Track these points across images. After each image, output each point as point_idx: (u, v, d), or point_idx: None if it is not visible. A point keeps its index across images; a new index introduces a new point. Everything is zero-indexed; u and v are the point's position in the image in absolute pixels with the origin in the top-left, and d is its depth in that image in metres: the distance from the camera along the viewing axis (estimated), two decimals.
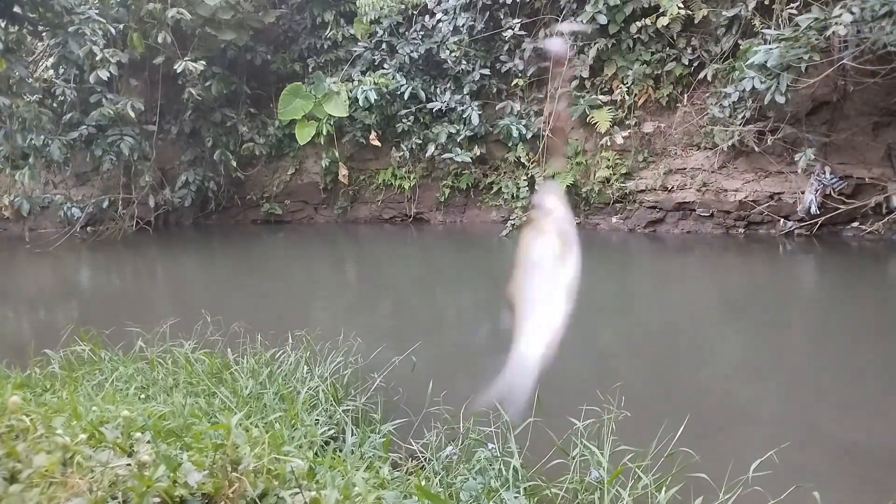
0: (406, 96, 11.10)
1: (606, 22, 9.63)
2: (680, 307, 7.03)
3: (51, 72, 11.85)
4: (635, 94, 10.00)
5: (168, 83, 11.86)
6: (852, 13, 7.22)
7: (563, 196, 1.27)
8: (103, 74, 10.23)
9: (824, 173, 8.87)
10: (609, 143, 10.12)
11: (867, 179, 8.93)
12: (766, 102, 8.26)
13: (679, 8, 9.19)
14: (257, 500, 2.15)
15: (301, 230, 12.70)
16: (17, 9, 9.07)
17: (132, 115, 11.01)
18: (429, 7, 11.16)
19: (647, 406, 4.04)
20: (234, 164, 12.34)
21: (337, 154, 11.92)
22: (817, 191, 8.88)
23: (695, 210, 10.11)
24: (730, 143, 9.25)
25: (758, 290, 7.49)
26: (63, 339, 4.52)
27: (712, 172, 9.86)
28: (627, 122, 10.15)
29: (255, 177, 12.95)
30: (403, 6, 11.38)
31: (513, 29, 10.44)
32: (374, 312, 7.25)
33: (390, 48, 11.55)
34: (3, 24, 9.46)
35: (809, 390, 4.64)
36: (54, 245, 11.20)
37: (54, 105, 11.53)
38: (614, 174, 10.41)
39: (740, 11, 8.92)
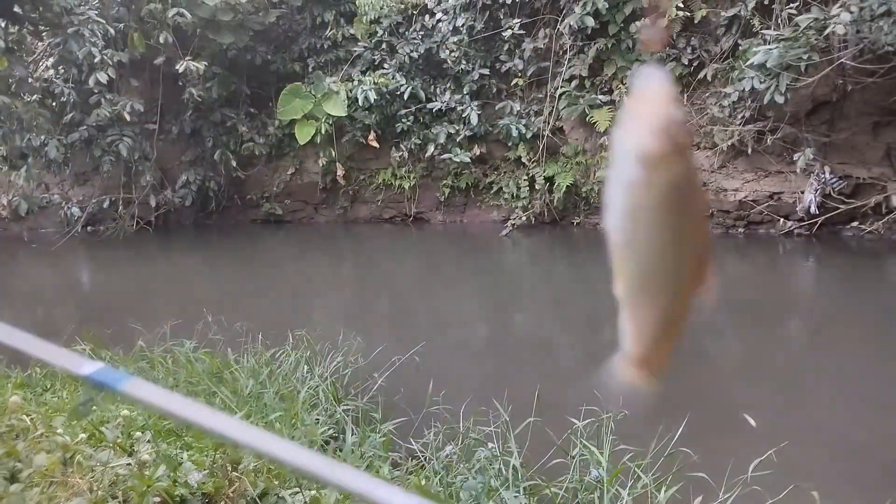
0: (406, 96, 11.11)
1: (595, 24, 9.62)
2: None
3: (51, 72, 11.85)
4: None
5: (168, 83, 11.87)
6: (851, 13, 7.23)
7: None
8: (102, 77, 10.25)
9: (824, 173, 8.87)
10: (609, 143, 10.11)
11: (867, 179, 8.93)
12: (765, 102, 8.26)
13: (678, 9, 9.19)
14: (257, 500, 2.16)
15: (301, 230, 12.70)
16: (17, 9, 9.07)
17: (127, 117, 11.01)
18: (429, 7, 11.16)
19: (647, 405, 4.04)
20: (235, 163, 12.35)
21: (335, 154, 11.92)
22: (817, 190, 8.88)
23: None
24: (729, 142, 9.25)
25: (757, 289, 7.49)
26: (64, 339, 4.53)
27: (712, 172, 9.86)
28: None
29: (256, 176, 12.95)
30: (403, 6, 11.38)
31: (512, 29, 10.44)
32: (374, 312, 7.26)
33: (390, 48, 11.55)
34: (2, 24, 9.47)
35: (809, 390, 4.64)
36: (55, 245, 11.20)
37: (54, 105, 11.54)
38: None
39: (740, 11, 8.92)
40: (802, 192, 9.09)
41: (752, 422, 3.16)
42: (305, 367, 4.05)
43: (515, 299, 7.78)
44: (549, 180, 10.72)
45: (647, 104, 0.71)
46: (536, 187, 10.80)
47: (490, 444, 3.05)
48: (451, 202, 12.00)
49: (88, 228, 12.25)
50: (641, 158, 0.69)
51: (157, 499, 2.04)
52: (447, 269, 9.60)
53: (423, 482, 2.70)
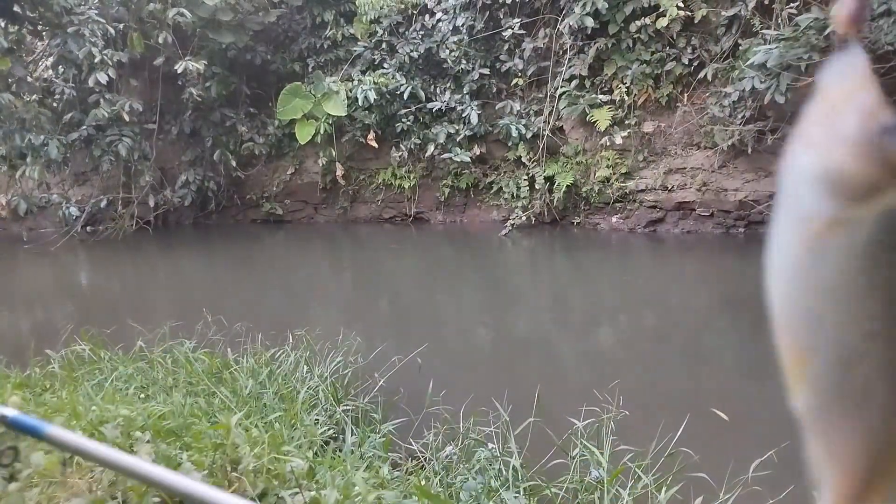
0: (406, 96, 11.10)
1: (595, 24, 9.61)
2: (679, 306, 7.03)
3: (50, 71, 11.85)
4: (635, 94, 10.00)
5: (168, 83, 11.86)
6: None
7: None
8: (101, 77, 10.26)
9: None
10: (609, 143, 10.12)
11: None
12: (765, 102, 8.25)
13: (678, 9, 9.19)
14: (257, 500, 2.15)
15: (301, 230, 12.70)
16: (17, 8, 9.07)
17: (126, 117, 11.01)
18: (428, 6, 11.15)
19: (647, 406, 4.04)
20: (234, 163, 12.35)
21: (334, 154, 11.92)
22: None
23: (695, 210, 10.11)
24: (730, 142, 9.24)
25: (758, 289, 7.46)
26: (63, 339, 4.52)
27: (712, 172, 9.85)
28: (627, 122, 10.15)
29: (255, 176, 12.95)
30: (403, 6, 11.37)
31: (512, 28, 10.44)
32: (373, 312, 7.26)
33: (390, 48, 11.54)
34: (2, 24, 9.46)
35: None
36: (54, 245, 11.19)
37: (54, 105, 11.53)
38: (614, 174, 10.41)
39: (740, 11, 8.92)
40: None
41: (724, 416, 3.15)
42: (305, 367, 4.05)
43: (515, 299, 7.78)
44: (549, 180, 10.72)
45: (845, 107, 0.47)
46: (536, 187, 10.80)
47: (490, 445, 3.05)
48: (451, 202, 12.00)
49: (88, 228, 12.24)
50: (837, 186, 0.45)
51: (157, 499, 2.04)
52: (447, 269, 9.59)
53: (423, 483, 2.70)
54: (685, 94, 9.87)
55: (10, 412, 1.26)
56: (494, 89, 11.24)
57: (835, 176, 0.45)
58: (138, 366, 4.14)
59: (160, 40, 10.77)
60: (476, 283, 8.67)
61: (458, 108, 11.09)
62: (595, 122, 10.09)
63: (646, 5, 9.48)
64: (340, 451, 3.06)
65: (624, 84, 10.01)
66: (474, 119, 10.89)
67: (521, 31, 10.51)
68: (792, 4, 8.30)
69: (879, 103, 0.48)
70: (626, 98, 10.01)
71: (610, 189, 10.47)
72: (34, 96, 11.17)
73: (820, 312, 0.47)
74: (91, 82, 10.44)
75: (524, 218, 10.76)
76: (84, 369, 4.13)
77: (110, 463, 1.07)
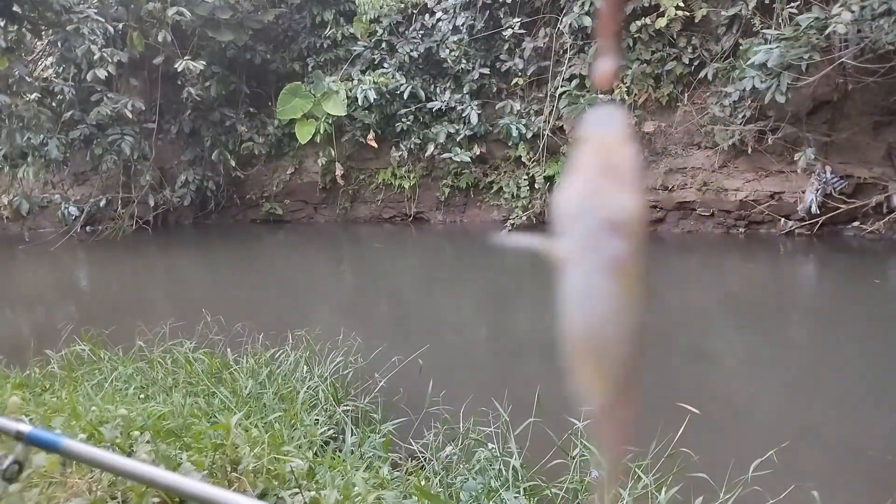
0: (405, 95, 11.09)
1: (593, 23, 9.60)
2: (680, 306, 7.02)
3: (50, 70, 11.84)
4: (635, 94, 9.99)
5: (167, 82, 11.86)
6: (852, 12, 7.21)
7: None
8: (101, 74, 10.26)
9: (825, 172, 8.85)
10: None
11: (867, 179, 8.91)
12: (766, 102, 8.24)
13: (678, 9, 9.18)
14: (257, 500, 2.15)
15: (301, 230, 12.69)
16: (16, 8, 9.06)
17: (129, 115, 11.01)
18: (429, 6, 11.15)
19: (647, 406, 4.03)
20: (234, 163, 12.35)
21: (334, 153, 11.91)
22: (818, 190, 8.87)
23: (695, 209, 10.10)
24: (730, 142, 9.24)
25: (758, 289, 7.48)
26: (63, 339, 4.52)
27: (713, 172, 9.84)
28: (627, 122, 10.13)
29: (255, 176, 12.94)
30: (403, 5, 11.37)
31: (513, 28, 10.44)
32: (373, 312, 7.25)
33: (390, 47, 11.54)
34: (2, 24, 9.46)
35: (809, 390, 4.63)
36: (53, 245, 11.18)
37: (53, 104, 11.53)
38: None
39: (740, 10, 8.91)
40: (803, 192, 9.07)
41: (695, 410, 3.14)
42: (305, 367, 4.04)
43: (515, 299, 7.77)
44: (550, 180, 10.71)
45: (613, 157, 0.58)
46: (536, 187, 10.79)
47: (490, 445, 3.04)
48: (451, 202, 11.99)
49: (87, 228, 12.24)
50: (619, 226, 0.58)
51: (157, 499, 2.04)
52: (447, 269, 9.59)
53: (422, 483, 2.69)
54: (686, 94, 9.86)
55: (25, 427, 1.25)
56: (494, 89, 11.23)
57: (617, 219, 0.59)
58: (138, 366, 4.13)
59: (159, 39, 10.76)
60: (476, 283, 8.66)
61: (458, 107, 11.08)
62: None
63: (646, 5, 9.47)
64: (340, 451, 3.06)
65: (624, 84, 9.99)
66: (474, 119, 10.88)
67: (522, 31, 10.50)
68: (792, 4, 8.29)
69: (637, 150, 0.60)
70: (626, 98, 10.00)
71: None
72: (34, 95, 11.17)
73: (598, 310, 0.68)
74: (89, 78, 10.43)
75: (524, 218, 10.75)
76: (84, 369, 4.12)
77: (130, 474, 1.07)
